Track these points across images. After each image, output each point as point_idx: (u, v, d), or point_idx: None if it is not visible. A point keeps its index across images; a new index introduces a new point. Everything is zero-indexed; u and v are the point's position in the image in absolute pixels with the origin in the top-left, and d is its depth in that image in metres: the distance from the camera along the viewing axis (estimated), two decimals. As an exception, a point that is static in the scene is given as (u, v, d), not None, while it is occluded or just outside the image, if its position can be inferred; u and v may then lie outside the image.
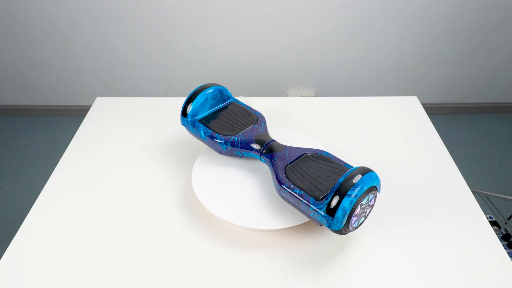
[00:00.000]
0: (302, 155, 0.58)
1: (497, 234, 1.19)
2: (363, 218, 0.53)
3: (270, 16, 1.79)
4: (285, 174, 0.55)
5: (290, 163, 0.57)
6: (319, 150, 0.59)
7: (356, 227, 0.53)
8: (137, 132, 0.80)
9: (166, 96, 2.06)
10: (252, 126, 0.65)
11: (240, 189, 0.61)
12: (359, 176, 0.48)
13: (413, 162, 0.72)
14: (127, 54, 1.92)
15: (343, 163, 0.56)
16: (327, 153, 0.58)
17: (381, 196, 0.65)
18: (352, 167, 0.56)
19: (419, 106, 0.87)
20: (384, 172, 0.70)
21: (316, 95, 2.07)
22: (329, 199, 0.48)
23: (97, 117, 0.84)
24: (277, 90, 2.06)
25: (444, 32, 1.86)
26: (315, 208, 0.50)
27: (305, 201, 0.51)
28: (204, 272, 0.54)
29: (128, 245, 0.58)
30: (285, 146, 0.60)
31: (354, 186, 0.48)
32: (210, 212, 0.58)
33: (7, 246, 1.56)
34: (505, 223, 1.18)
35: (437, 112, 2.16)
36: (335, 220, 0.48)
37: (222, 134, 0.63)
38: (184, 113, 0.65)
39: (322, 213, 0.49)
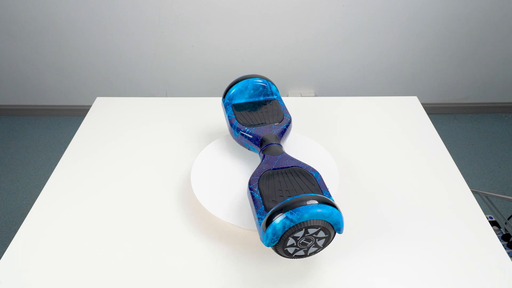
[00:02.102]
0: (291, 166, 0.56)
1: (497, 234, 1.19)
2: (313, 249, 0.49)
3: (270, 16, 1.79)
4: (260, 177, 0.54)
5: (273, 169, 0.56)
6: (312, 168, 0.55)
7: (303, 256, 0.49)
8: (137, 132, 0.80)
9: (166, 96, 2.06)
10: (271, 125, 0.65)
11: (239, 189, 0.61)
12: (307, 203, 0.45)
13: (413, 162, 0.72)
14: (127, 54, 1.92)
15: (324, 189, 0.52)
16: (317, 174, 0.54)
17: (381, 196, 0.65)
18: (327, 197, 0.50)
19: (419, 106, 0.87)
20: (384, 172, 0.70)
21: (316, 95, 2.07)
22: (268, 213, 0.47)
23: (97, 117, 0.84)
24: (277, 90, 2.06)
25: (444, 32, 1.86)
26: (258, 217, 0.49)
27: (256, 207, 0.50)
28: (204, 272, 0.54)
29: (127, 245, 0.58)
30: (282, 153, 0.59)
31: (294, 210, 0.45)
32: (209, 212, 0.58)
33: (7, 246, 1.55)
34: (505, 223, 1.18)
35: (437, 112, 2.16)
36: (265, 235, 0.46)
37: (240, 123, 0.65)
38: (224, 94, 0.70)
39: (259, 224, 0.47)
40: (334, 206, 0.46)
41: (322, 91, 2.07)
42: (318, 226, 0.46)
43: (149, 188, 0.67)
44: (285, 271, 0.54)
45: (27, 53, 1.93)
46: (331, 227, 0.47)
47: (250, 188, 0.53)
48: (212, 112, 0.85)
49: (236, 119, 0.66)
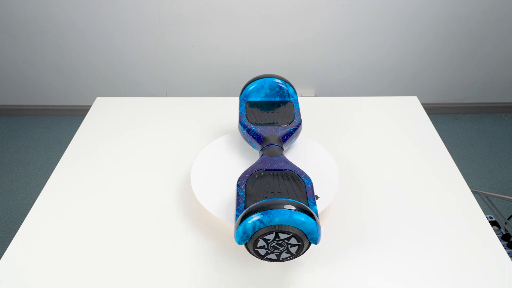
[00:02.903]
0: (284, 169, 0.56)
1: (497, 234, 1.19)
2: (286, 255, 0.48)
3: (270, 16, 1.79)
4: (250, 175, 0.55)
5: (265, 169, 0.56)
6: (305, 175, 0.55)
7: (276, 260, 0.49)
8: (137, 132, 0.80)
9: (166, 96, 2.06)
10: (278, 126, 0.65)
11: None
12: (282, 207, 0.45)
13: (413, 162, 0.72)
14: (127, 54, 1.92)
15: (310, 197, 0.51)
16: (308, 181, 0.54)
17: (381, 195, 0.65)
18: (310, 205, 0.50)
19: (419, 106, 0.87)
20: (384, 172, 0.70)
21: (316, 95, 2.07)
22: (243, 211, 0.47)
23: (97, 117, 0.84)
24: (277, 90, 2.06)
25: (444, 32, 1.86)
26: (236, 214, 0.49)
27: (237, 204, 0.50)
28: (204, 271, 0.54)
29: (127, 244, 0.58)
30: (280, 155, 0.59)
31: (266, 212, 0.44)
32: (209, 212, 0.58)
33: (7, 246, 1.55)
34: (505, 223, 1.18)
35: (437, 112, 2.16)
36: (236, 232, 0.46)
37: (248, 120, 0.66)
38: (241, 91, 0.72)
39: (235, 220, 0.48)
40: (310, 215, 0.45)
41: (322, 91, 2.07)
42: (289, 232, 0.45)
43: (149, 188, 0.67)
44: (285, 270, 0.54)
45: (27, 53, 1.93)
46: (305, 236, 0.46)
47: (238, 185, 0.54)
48: (212, 112, 0.85)
49: (246, 116, 0.67)
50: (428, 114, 2.16)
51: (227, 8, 1.76)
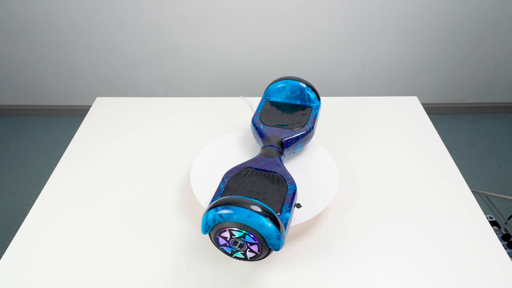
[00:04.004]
0: (273, 172, 0.56)
1: (497, 234, 1.19)
2: (250, 254, 0.48)
3: (270, 16, 1.79)
4: (238, 171, 0.56)
5: (255, 168, 0.57)
6: (291, 181, 0.55)
7: (243, 259, 0.49)
8: (137, 132, 0.80)
9: (166, 96, 2.06)
10: (286, 129, 0.65)
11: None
12: (245, 206, 0.45)
13: (413, 162, 0.72)
14: (127, 54, 1.92)
15: (287, 204, 0.51)
16: (292, 187, 0.54)
17: (381, 195, 0.65)
18: (285, 212, 0.50)
19: (419, 106, 0.87)
20: (384, 171, 0.70)
21: (316, 95, 2.07)
22: (212, 202, 0.48)
23: (97, 117, 0.84)
24: (277, 90, 2.06)
25: (444, 32, 1.86)
26: (209, 203, 0.50)
27: (214, 195, 0.52)
28: (204, 271, 0.54)
29: (127, 244, 0.58)
30: (274, 157, 0.59)
31: (227, 207, 0.45)
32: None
33: (7, 246, 1.55)
34: (505, 223, 1.17)
35: (437, 112, 2.16)
36: (202, 221, 0.47)
37: (260, 119, 0.67)
38: (265, 90, 0.73)
39: (205, 209, 0.49)
40: (272, 220, 0.45)
41: (322, 91, 2.07)
42: (241, 231, 0.45)
43: (149, 188, 0.67)
44: (286, 271, 0.54)
45: (27, 53, 1.93)
46: (262, 239, 0.46)
47: (222, 178, 0.55)
48: (212, 112, 0.85)
49: (260, 115, 0.68)
50: (428, 114, 2.16)
51: (227, 8, 1.76)
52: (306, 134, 0.64)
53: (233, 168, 0.57)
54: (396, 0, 1.74)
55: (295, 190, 0.53)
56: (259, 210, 0.45)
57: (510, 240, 1.15)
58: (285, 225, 0.48)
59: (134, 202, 0.64)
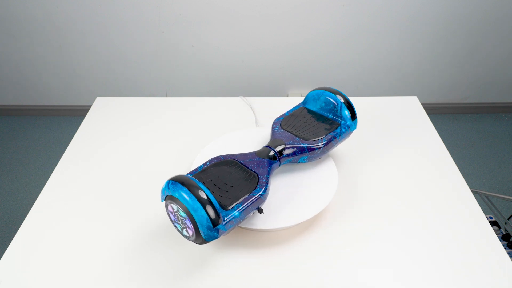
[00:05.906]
0: (254, 172, 0.57)
1: (497, 234, 1.19)
2: (186, 234, 0.50)
3: (270, 16, 1.79)
4: (224, 159, 0.58)
5: (240, 162, 0.58)
6: (265, 186, 0.55)
7: (188, 238, 0.51)
8: (137, 132, 0.80)
9: (166, 96, 2.06)
10: (296, 138, 0.64)
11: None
12: (192, 189, 0.47)
13: (413, 162, 0.72)
14: (127, 54, 1.92)
15: (243, 202, 0.52)
16: (258, 191, 0.54)
17: (381, 195, 0.65)
18: (232, 209, 0.51)
19: (419, 106, 0.87)
20: (384, 171, 0.70)
21: (316, 95, 2.07)
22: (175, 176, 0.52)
23: (97, 117, 0.84)
24: (277, 90, 2.06)
25: (444, 32, 1.86)
26: None
27: (190, 171, 0.55)
28: (204, 271, 0.54)
29: (127, 245, 0.58)
30: (264, 158, 0.60)
31: (177, 184, 0.48)
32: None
33: (7, 246, 1.55)
34: (505, 223, 1.17)
35: (437, 112, 2.16)
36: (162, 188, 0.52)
37: (282, 122, 0.68)
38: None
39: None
40: (211, 209, 0.47)
41: (322, 91, 2.06)
42: (178, 207, 0.48)
43: (149, 188, 0.67)
44: (285, 270, 0.54)
45: (27, 53, 1.93)
46: (196, 224, 0.48)
47: (208, 160, 0.58)
48: (212, 112, 0.85)
49: (284, 118, 0.69)
50: (428, 114, 2.16)
51: (227, 8, 1.76)
52: (313, 150, 0.62)
53: (221, 155, 0.59)
54: (396, 0, 1.74)
55: (261, 195, 0.53)
56: (203, 196, 0.47)
57: (510, 240, 1.15)
58: (227, 222, 0.49)
59: (134, 202, 0.64)
